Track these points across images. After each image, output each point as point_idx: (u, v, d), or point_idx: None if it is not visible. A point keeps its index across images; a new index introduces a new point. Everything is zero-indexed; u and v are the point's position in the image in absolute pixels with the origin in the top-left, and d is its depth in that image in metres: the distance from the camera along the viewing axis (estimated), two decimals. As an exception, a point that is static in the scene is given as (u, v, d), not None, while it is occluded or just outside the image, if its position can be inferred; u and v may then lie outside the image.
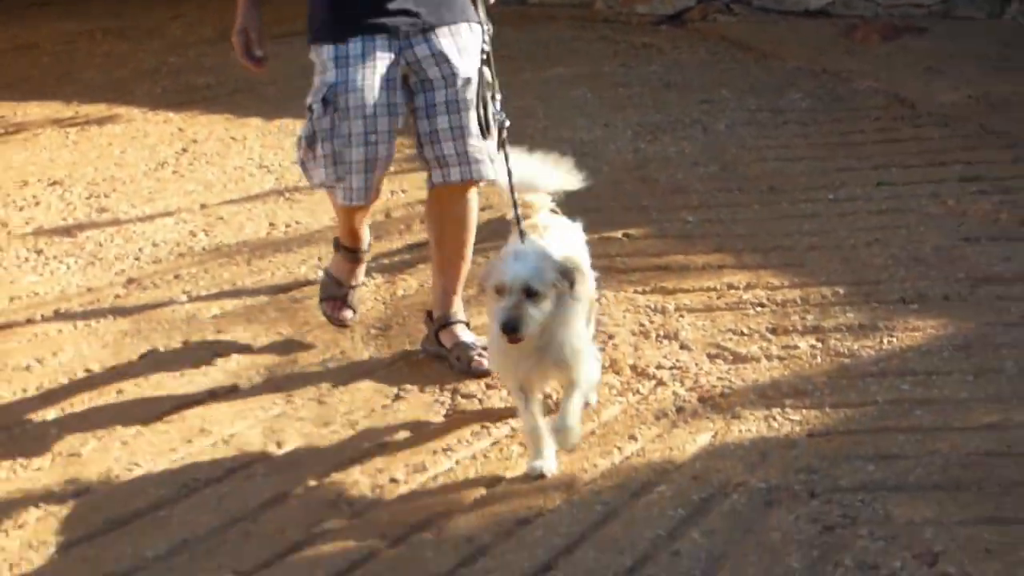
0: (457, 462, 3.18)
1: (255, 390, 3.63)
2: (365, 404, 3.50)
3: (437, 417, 3.41)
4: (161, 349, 3.92)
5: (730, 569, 2.66)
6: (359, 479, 3.12)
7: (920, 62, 6.72)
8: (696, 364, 3.60)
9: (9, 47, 9.12)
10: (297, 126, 6.27)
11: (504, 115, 3.33)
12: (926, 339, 3.65)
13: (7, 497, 3.12)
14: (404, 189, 5.27)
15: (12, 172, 5.96)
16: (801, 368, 3.53)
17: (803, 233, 4.49)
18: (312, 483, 3.12)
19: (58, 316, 4.23)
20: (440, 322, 3.68)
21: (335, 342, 3.90)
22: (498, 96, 3.45)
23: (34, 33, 9.53)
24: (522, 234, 3.07)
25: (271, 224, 5.03)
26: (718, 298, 4.05)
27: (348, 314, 3.87)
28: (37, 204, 5.47)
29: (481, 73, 3.45)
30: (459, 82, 3.43)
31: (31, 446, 3.36)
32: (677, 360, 3.63)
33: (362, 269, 3.95)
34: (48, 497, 3.11)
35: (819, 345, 3.64)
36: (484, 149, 3.46)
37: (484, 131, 3.45)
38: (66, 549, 2.89)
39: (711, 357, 3.64)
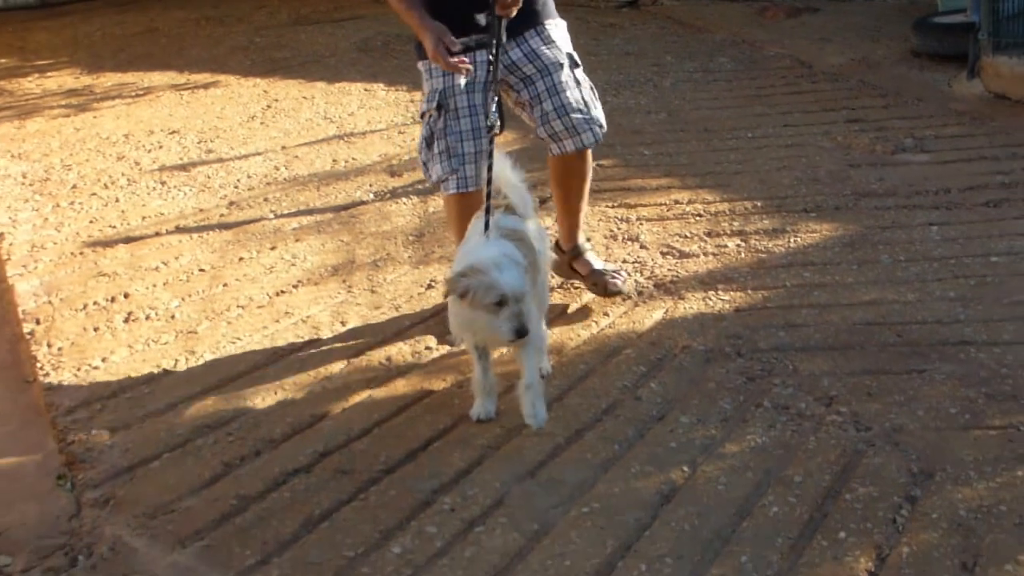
0: (475, 334, 3.12)
1: (324, 282, 3.54)
2: (405, 292, 3.42)
3: (459, 301, 3.34)
4: (255, 253, 3.84)
5: (679, 410, 2.62)
6: (402, 347, 3.07)
7: (815, 34, 6.59)
8: (652, 259, 3.53)
9: (138, 31, 8.99)
10: (352, 88, 6.29)
11: (497, 117, 2.83)
12: (822, 239, 3.57)
13: (142, 365, 3.06)
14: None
15: (141, 124, 5.85)
16: (730, 261, 3.46)
17: (730, 162, 4.38)
18: (368, 351, 3.06)
19: (178, 230, 4.14)
20: (572, 253, 3.28)
21: (383, 247, 3.80)
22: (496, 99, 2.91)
23: (155, 21, 9.42)
24: (486, 227, 2.60)
25: (333, 160, 4.91)
26: (668, 211, 3.95)
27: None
28: (160, 148, 5.36)
29: (571, 56, 3.08)
30: (552, 70, 3.03)
31: (160, 326, 3.30)
32: (638, 256, 3.55)
33: None
34: (173, 365, 3.05)
35: (743, 244, 3.57)
36: (586, 120, 3.06)
37: (583, 104, 3.05)
38: (187, 401, 2.85)
39: (663, 254, 3.56)
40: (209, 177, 4.81)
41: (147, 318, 3.37)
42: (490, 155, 2.74)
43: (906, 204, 3.79)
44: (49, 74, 7.52)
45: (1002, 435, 2.43)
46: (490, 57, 2.90)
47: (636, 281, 3.35)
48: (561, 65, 3.06)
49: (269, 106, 6.03)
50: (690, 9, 7.88)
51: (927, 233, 3.53)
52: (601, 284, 3.21)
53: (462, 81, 2.94)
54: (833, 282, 3.25)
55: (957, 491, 2.25)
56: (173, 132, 5.63)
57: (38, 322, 3.40)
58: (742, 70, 5.90)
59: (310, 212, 4.24)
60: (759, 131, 4.76)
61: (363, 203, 4.29)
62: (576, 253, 3.28)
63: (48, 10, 10.89)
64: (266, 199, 4.44)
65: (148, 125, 5.82)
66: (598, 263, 3.27)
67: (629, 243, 3.65)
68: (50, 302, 3.55)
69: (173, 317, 3.36)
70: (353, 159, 4.90)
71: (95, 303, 3.51)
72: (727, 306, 3.14)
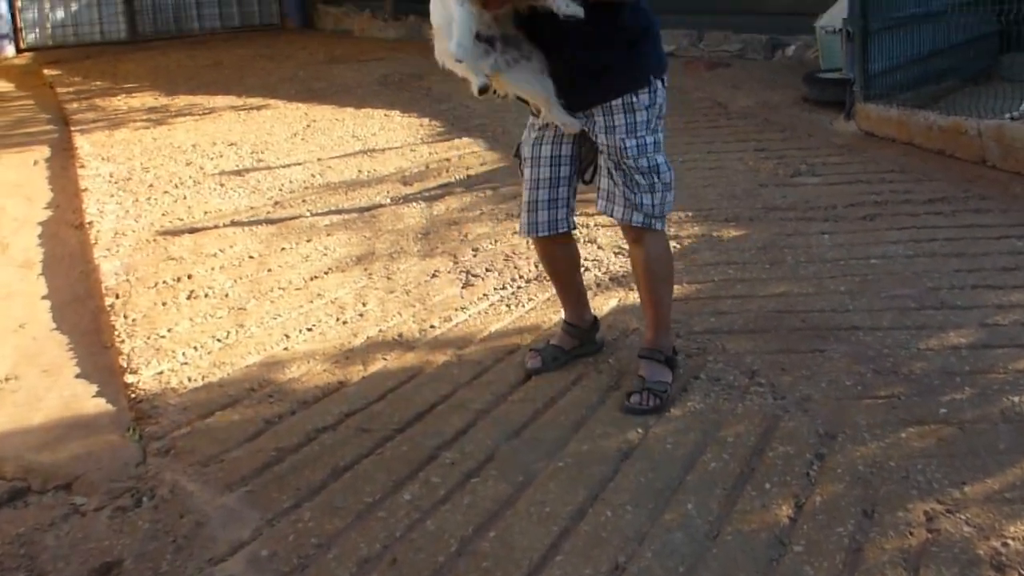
0: (470, 315, 2.88)
1: (349, 270, 3.29)
2: (414, 279, 3.17)
3: (456, 288, 3.09)
4: (294, 245, 3.56)
5: (630, 379, 2.39)
6: (411, 324, 2.82)
7: (728, 82, 6.35)
8: (607, 258, 3.29)
9: (206, 64, 8.61)
10: (374, 113, 5.92)
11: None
12: (740, 243, 3.36)
13: (200, 336, 2.80)
14: (436, 152, 4.88)
15: (206, 137, 5.51)
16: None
17: (666, 180, 4.17)
18: (383, 326, 2.82)
19: (232, 223, 3.85)
20: (639, 353, 2.37)
21: (397, 242, 3.54)
22: None
23: (221, 56, 9.03)
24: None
25: (358, 171, 4.62)
26: (619, 217, 3.73)
27: (531, 362, 2.45)
28: (221, 156, 5.04)
29: (637, 145, 2.16)
30: (608, 152, 2.19)
31: (216, 303, 3.03)
32: (596, 256, 3.31)
33: (569, 340, 2.49)
34: (225, 336, 2.79)
35: (678, 246, 3.34)
36: (629, 204, 2.21)
37: (634, 193, 2.20)
38: (235, 367, 2.60)
39: (615, 253, 3.32)
40: (259, 181, 4.50)
41: (206, 296, 3.10)
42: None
43: (803, 216, 3.59)
44: (134, 95, 7.14)
45: (887, 403, 2.26)
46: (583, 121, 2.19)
47: (595, 276, 3.12)
48: (614, 149, 2.18)
49: (308, 125, 5.71)
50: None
51: (820, 240, 3.34)
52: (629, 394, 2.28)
53: (534, 135, 2.29)
54: (750, 278, 3.05)
55: (855, 450, 2.07)
56: (231, 144, 5.30)
57: (117, 296, 3.12)
58: (674, 109, 5.46)
59: (339, 212, 3.96)
60: (688, 156, 4.53)
61: (381, 206, 4.01)
62: (639, 353, 2.37)
63: (135, 44, 10.47)
64: (304, 200, 4.15)
65: (212, 138, 5.49)
66: (646, 370, 2.31)
67: (589, 244, 3.42)
68: (127, 280, 3.27)
69: (227, 296, 3.09)
70: (374, 170, 4.61)
71: (164, 282, 3.23)
72: (668, 296, 2.94)
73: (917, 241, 3.26)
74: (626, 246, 3.23)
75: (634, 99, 2.15)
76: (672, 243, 3.36)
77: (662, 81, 2.19)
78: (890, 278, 2.98)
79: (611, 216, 2.28)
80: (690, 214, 3.67)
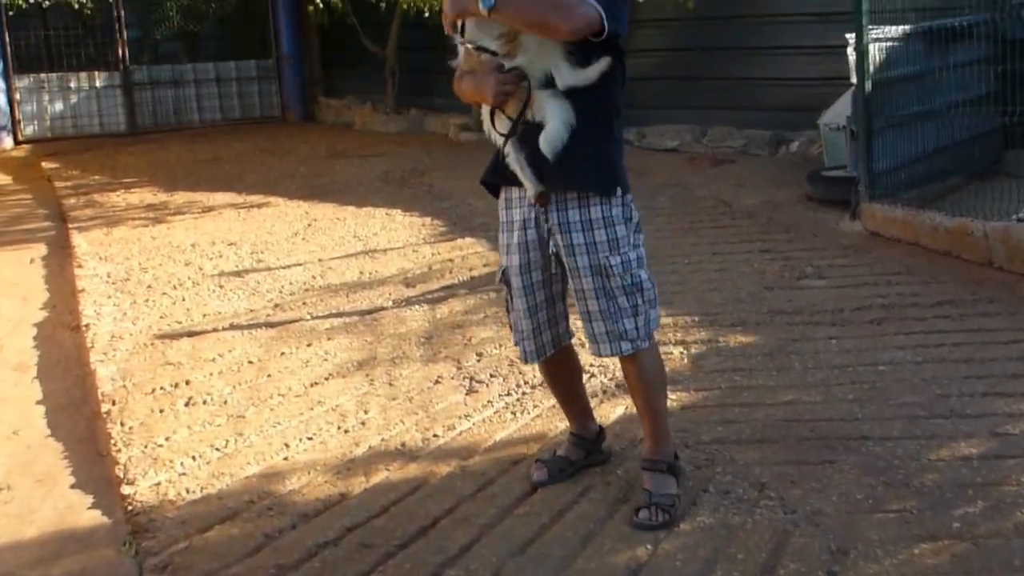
0: (473, 423, 2.99)
1: (351, 376, 3.42)
2: (417, 386, 3.30)
3: (460, 394, 3.22)
4: (294, 349, 3.71)
5: (638, 490, 2.47)
6: (414, 433, 2.93)
7: (733, 180, 6.64)
8: (613, 363, 3.39)
9: (206, 158, 8.99)
10: (376, 212, 6.23)
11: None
12: (747, 349, 3.50)
13: (198, 445, 2.92)
14: (439, 252, 5.10)
15: (206, 236, 5.75)
16: (675, 366, 3.37)
17: (671, 283, 4.31)
18: (385, 435, 2.93)
19: (232, 327, 4.01)
20: (642, 464, 2.46)
21: (399, 346, 3.69)
22: None
23: (221, 150, 9.43)
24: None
25: (360, 272, 4.82)
26: (623, 320, 3.88)
27: (537, 474, 2.53)
28: (220, 256, 5.26)
29: (622, 263, 2.22)
30: (591, 272, 2.23)
31: (214, 410, 3.15)
32: (602, 361, 3.43)
33: (575, 451, 2.58)
34: (224, 445, 2.90)
35: (685, 352, 3.49)
36: (607, 334, 2.27)
37: (612, 313, 2.24)
38: (235, 478, 2.70)
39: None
40: (259, 283, 4.70)
41: (204, 403, 3.22)
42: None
43: (810, 321, 3.74)
44: (133, 190, 7.46)
45: (899, 517, 2.34)
46: (549, 214, 2.24)
47: (601, 382, 3.25)
48: (597, 268, 2.23)
49: (309, 224, 5.97)
50: (636, 158, 7.92)
51: (828, 345, 3.49)
52: (636, 510, 2.33)
53: (515, 261, 2.32)
54: (758, 385, 3.18)
55: (868, 567, 2.14)
56: (231, 243, 5.53)
57: (113, 403, 3.24)
58: (678, 208, 5.92)
59: (340, 315, 4.12)
60: (693, 258, 4.73)
61: (383, 309, 4.18)
62: (642, 465, 2.45)
63: (135, 137, 10.94)
64: (304, 303, 4.33)
65: (211, 237, 5.73)
66: (651, 483, 2.37)
67: (595, 347, 3.56)
68: (124, 386, 3.40)
69: (225, 403, 3.21)
70: (376, 271, 4.81)
71: (161, 388, 3.36)
72: (674, 404, 3.04)
73: (925, 346, 3.41)
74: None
75: (611, 212, 2.24)
76: (679, 348, 3.52)
77: (630, 196, 2.31)
78: (899, 385, 3.10)
79: (599, 356, 2.34)
80: (696, 319, 3.83)
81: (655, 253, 4.84)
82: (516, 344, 2.46)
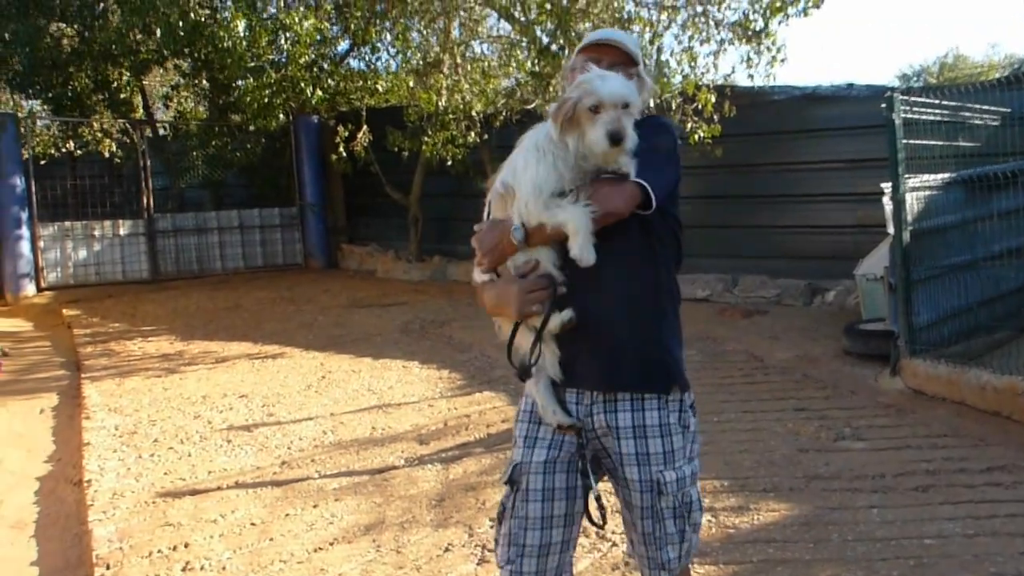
0: (483, 597, 2.97)
1: (357, 541, 3.43)
2: (427, 553, 3.30)
3: (471, 564, 3.21)
4: (299, 510, 3.75)
5: None
6: (420, 607, 2.92)
7: (765, 332, 6.74)
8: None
9: (226, 306, 9.35)
10: (392, 364, 6.41)
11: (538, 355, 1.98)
12: (780, 517, 3.47)
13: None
14: (456, 407, 5.18)
15: (217, 388, 5.92)
16: (702, 536, 3.30)
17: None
18: (390, 608, 2.92)
19: (236, 485, 4.08)
20: None
21: (409, 509, 3.71)
22: None
23: (241, 298, 9.82)
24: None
25: (372, 427, 4.91)
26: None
27: None
28: (230, 409, 5.39)
29: (677, 479, 1.95)
30: (640, 489, 1.95)
31: (212, 576, 3.17)
32: (622, 530, 3.44)
33: None
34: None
35: (713, 520, 3.46)
36: (651, 560, 2.00)
37: (662, 538, 1.97)
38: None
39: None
40: (268, 437, 4.80)
41: (202, 568, 3.24)
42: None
43: (849, 487, 3.71)
44: (150, 338, 7.76)
45: None
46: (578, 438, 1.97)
47: (623, 552, 3.23)
48: (648, 484, 1.95)
49: (324, 376, 6.14)
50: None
51: (869, 515, 3.44)
52: None
53: (541, 456, 2.01)
54: (793, 558, 3.12)
55: None
56: (242, 396, 5.70)
57: (108, 567, 3.28)
58: (707, 362, 6.00)
59: (349, 474, 4.18)
60: (723, 416, 4.76)
61: (395, 468, 4.23)
62: None
63: (157, 284, 11.48)
64: (313, 460, 4.40)
65: (223, 388, 5.90)
66: None
67: (615, 515, 3.53)
68: (121, 548, 3.44)
69: (224, 568, 3.23)
70: (389, 427, 4.90)
71: (159, 551, 3.40)
72: (701, 578, 3.01)
73: (976, 517, 3.35)
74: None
75: (668, 418, 1.96)
76: (707, 516, 3.50)
77: (691, 396, 2.05)
78: (948, 561, 3.03)
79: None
80: (725, 483, 3.81)
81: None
82: (504, 565, 2.00)
